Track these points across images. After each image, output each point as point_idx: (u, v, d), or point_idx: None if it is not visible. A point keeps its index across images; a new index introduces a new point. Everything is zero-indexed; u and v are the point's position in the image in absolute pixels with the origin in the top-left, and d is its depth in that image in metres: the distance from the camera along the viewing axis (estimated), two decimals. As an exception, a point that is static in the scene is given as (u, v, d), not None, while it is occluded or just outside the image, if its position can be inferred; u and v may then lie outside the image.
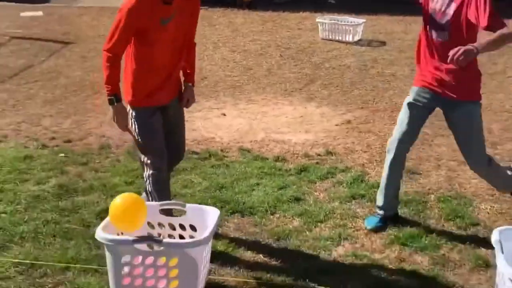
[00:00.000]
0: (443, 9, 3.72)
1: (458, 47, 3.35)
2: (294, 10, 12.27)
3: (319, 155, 5.52)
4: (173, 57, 3.67)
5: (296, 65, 8.77)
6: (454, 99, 3.81)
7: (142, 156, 3.70)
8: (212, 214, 3.32)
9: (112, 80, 3.55)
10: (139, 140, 3.68)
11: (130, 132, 3.72)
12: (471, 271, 3.62)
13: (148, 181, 3.70)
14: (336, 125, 6.36)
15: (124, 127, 3.68)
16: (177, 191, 4.61)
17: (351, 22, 10.21)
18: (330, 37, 10.14)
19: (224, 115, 6.66)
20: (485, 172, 4.08)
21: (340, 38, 10.04)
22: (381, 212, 4.17)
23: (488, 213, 4.34)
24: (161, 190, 3.70)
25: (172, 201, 3.60)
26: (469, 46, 3.35)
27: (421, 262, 3.73)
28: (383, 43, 10.03)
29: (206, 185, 4.76)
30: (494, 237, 3.05)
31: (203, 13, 12.13)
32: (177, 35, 3.62)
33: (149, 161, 3.66)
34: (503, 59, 8.76)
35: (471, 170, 4.15)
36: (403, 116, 3.99)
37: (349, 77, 8.14)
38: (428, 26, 3.79)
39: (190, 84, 3.99)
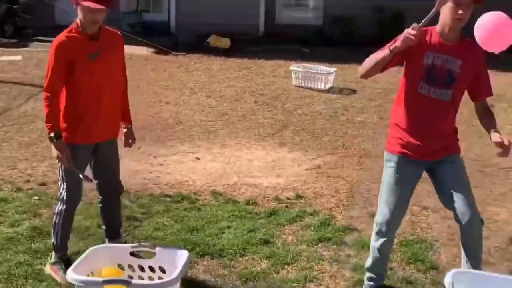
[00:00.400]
0: (446, 66, 3.51)
1: (506, 141, 3.33)
2: (269, 58, 12.61)
3: (288, 199, 5.69)
4: (104, 96, 3.92)
5: (269, 111, 9.01)
6: (442, 157, 3.66)
7: (60, 189, 4.00)
8: (181, 256, 3.45)
9: (51, 118, 3.82)
10: (61, 174, 3.97)
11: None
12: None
13: (58, 215, 4.06)
14: (306, 169, 6.56)
15: (66, 163, 3.86)
16: (148, 234, 4.74)
17: (323, 71, 10.55)
18: (303, 84, 10.44)
19: (198, 159, 6.83)
20: (480, 231, 3.67)
21: (312, 85, 10.35)
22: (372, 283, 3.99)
23: (447, 257, 4.52)
24: (64, 224, 4.08)
25: (143, 243, 3.72)
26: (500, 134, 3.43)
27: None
28: (354, 91, 10.35)
29: (177, 228, 4.89)
30: (447, 280, 3.23)
31: (181, 59, 12.47)
32: (106, 70, 3.89)
33: (64, 197, 4.00)
34: (468, 107, 9.09)
35: (465, 229, 3.64)
36: (391, 196, 3.70)
37: (320, 124, 8.39)
38: (422, 85, 3.53)
39: (129, 125, 4.30)
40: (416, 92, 3.54)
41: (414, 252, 4.56)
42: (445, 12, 3.48)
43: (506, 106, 9.38)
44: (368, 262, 3.96)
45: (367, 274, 3.99)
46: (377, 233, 3.81)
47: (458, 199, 3.59)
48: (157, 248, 3.59)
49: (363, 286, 4.01)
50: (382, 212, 3.75)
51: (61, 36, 3.83)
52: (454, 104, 3.61)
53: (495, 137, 3.45)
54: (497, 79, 10.92)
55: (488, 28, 3.34)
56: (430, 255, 4.53)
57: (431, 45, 3.54)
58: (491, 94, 3.65)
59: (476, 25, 3.37)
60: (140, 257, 3.70)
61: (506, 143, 3.37)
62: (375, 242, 3.84)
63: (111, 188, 4.27)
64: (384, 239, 3.79)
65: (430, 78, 3.52)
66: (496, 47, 3.37)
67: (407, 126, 3.61)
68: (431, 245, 4.74)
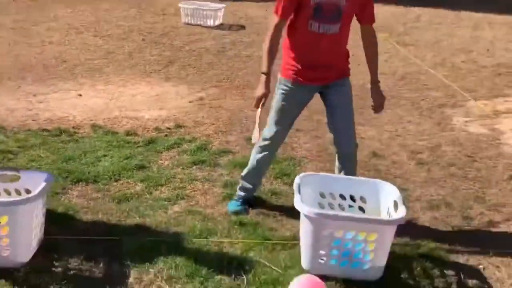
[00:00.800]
0: (333, 2, 3.56)
1: (381, 102, 3.86)
2: (160, -4, 12.47)
3: (169, 128, 5.81)
4: None
5: (157, 48, 9.01)
6: (333, 81, 3.82)
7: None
8: (44, 177, 3.52)
9: None
10: None
11: None
12: (289, 217, 4.06)
13: None
14: (190, 102, 6.68)
15: None
16: (23, 165, 4.74)
17: (212, 7, 10.58)
18: (192, 21, 10.46)
19: (80, 95, 6.79)
20: (355, 155, 3.98)
21: (202, 22, 10.39)
22: (243, 194, 4.18)
23: (313, 170, 4.82)
24: None
25: (6, 167, 3.75)
26: (379, 88, 3.89)
27: (248, 214, 4.12)
28: (243, 27, 10.48)
29: (53, 159, 4.92)
30: (295, 181, 3.49)
31: (68, 0, 12.12)
32: None
33: None
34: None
35: (343, 154, 3.93)
36: (281, 117, 3.87)
37: (207, 59, 8.49)
38: (311, 21, 3.59)
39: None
40: (306, 29, 3.62)
41: (282, 168, 4.83)
42: None
43: (388, 35, 9.80)
44: (244, 171, 4.17)
45: (241, 183, 4.19)
46: (261, 146, 4.00)
47: (341, 131, 3.89)
48: (21, 172, 3.64)
49: (234, 196, 4.22)
50: (270, 129, 3.92)
51: None
52: (343, 34, 3.70)
53: (373, 93, 3.92)
54: (380, 11, 11.39)
55: None
56: (297, 170, 4.81)
57: None
58: (374, 21, 3.80)
59: None
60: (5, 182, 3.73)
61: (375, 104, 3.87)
62: (257, 154, 4.04)
63: None
64: (266, 152, 4.01)
65: (318, 15, 3.57)
66: None
67: (299, 59, 3.72)
68: (300, 161, 5.03)
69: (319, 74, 3.75)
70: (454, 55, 8.67)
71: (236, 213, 4.06)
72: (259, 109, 3.61)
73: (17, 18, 10.45)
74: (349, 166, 3.95)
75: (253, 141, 3.74)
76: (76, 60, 8.21)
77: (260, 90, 3.59)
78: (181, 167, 4.87)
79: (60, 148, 5.18)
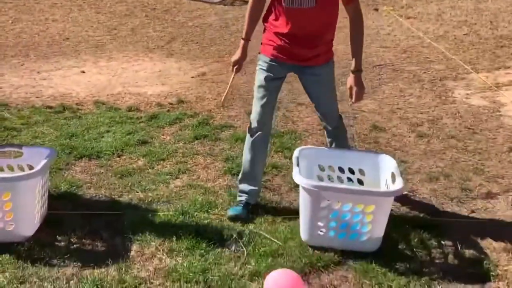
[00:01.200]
0: None
1: (358, 89, 3.51)
2: (163, -28, 12.42)
3: (171, 103, 5.85)
4: None
5: (160, 24, 9.01)
6: (308, 64, 3.64)
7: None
8: (47, 153, 3.58)
9: None
10: None
11: None
12: (289, 190, 4.12)
13: None
14: (192, 77, 6.71)
15: None
16: (26, 141, 4.80)
17: (215, -18, 10.54)
18: (195, -3, 10.43)
19: (84, 72, 6.83)
20: (342, 128, 3.88)
21: (205, -3, 10.37)
22: (243, 198, 3.87)
23: (313, 144, 4.86)
24: None
25: (10, 143, 3.81)
26: (360, 77, 3.54)
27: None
28: (246, 2, 10.40)
29: (56, 135, 4.97)
30: (294, 155, 3.54)
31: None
32: None
33: None
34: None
35: (330, 130, 3.86)
36: (262, 93, 3.72)
37: (210, 34, 8.50)
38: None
39: None
40: (281, 4, 3.46)
41: (283, 142, 4.87)
42: None
43: (391, 8, 9.75)
44: (240, 175, 3.90)
45: (239, 188, 3.91)
46: (250, 130, 3.81)
47: (324, 115, 3.80)
48: (24, 148, 3.69)
49: (235, 202, 3.89)
50: (255, 110, 3.77)
51: None
52: (321, 8, 3.44)
53: (349, 81, 3.59)
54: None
55: None
56: (298, 144, 4.84)
57: None
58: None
59: None
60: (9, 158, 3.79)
61: (353, 94, 3.56)
62: (248, 142, 3.82)
63: None
64: (257, 133, 3.79)
65: None
66: None
67: (276, 35, 3.58)
68: (300, 135, 5.06)
69: (295, 52, 3.56)
70: (456, 28, 8.63)
71: (236, 217, 3.71)
72: (233, 73, 3.84)
73: (19, -4, 10.46)
74: (338, 139, 3.87)
75: (221, 105, 3.88)
76: (79, 37, 8.23)
77: (236, 55, 3.76)
78: (182, 142, 4.92)
79: (63, 124, 5.23)
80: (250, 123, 3.83)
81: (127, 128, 5.14)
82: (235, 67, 3.82)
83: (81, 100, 5.90)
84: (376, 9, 9.63)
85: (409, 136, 5.06)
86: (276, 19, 3.56)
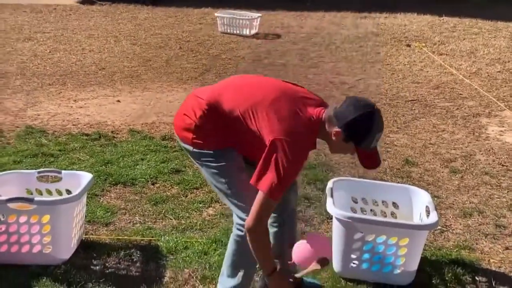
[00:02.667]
0: None
1: None
2: (196, 6, 12.68)
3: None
4: None
5: (194, 56, 9.16)
6: None
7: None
8: (85, 178, 3.66)
9: None
10: None
11: None
12: (321, 222, 4.13)
13: None
14: (225, 108, 6.79)
15: None
16: (63, 167, 4.89)
17: (248, 16, 10.72)
18: (229, 30, 10.61)
19: (119, 101, 6.96)
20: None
21: (238, 31, 10.54)
22: None
23: (346, 176, 4.87)
24: None
25: (49, 169, 3.90)
26: None
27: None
28: (278, 36, 10.59)
29: (92, 162, 5.07)
30: (328, 186, 3.56)
31: (108, 9, 12.43)
32: None
33: None
34: (385, 48, 9.50)
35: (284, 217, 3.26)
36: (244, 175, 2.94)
37: (243, 67, 8.61)
38: None
39: None
40: None
41: (315, 174, 4.89)
42: (342, 149, 2.84)
43: (423, 45, 9.78)
44: None
45: None
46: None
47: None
48: (63, 172, 3.77)
49: None
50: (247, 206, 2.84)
51: None
52: None
53: None
54: (415, 20, 11.38)
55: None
56: (330, 176, 4.86)
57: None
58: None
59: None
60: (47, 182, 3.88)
61: None
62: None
63: None
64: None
65: None
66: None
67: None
68: (332, 167, 5.08)
69: None
70: (490, 65, 8.62)
71: None
72: None
73: (58, 27, 10.74)
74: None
75: None
76: (115, 67, 8.40)
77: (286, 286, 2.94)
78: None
79: (99, 151, 5.33)
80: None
81: (161, 157, 5.21)
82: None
83: (117, 128, 6.01)
84: (409, 45, 9.68)
85: (442, 172, 5.04)
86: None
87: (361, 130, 2.70)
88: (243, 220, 2.84)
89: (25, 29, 10.44)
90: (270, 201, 2.69)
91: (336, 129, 2.71)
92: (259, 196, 2.69)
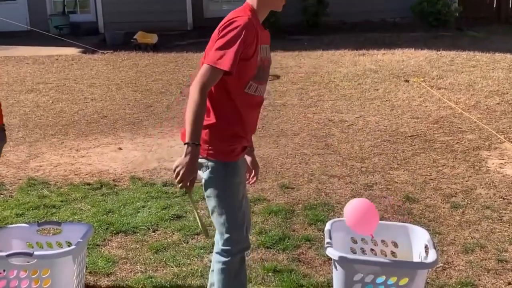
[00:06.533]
0: (267, 55, 3.08)
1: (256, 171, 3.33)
2: (196, 51, 12.84)
3: (205, 178, 5.95)
4: None
5: (194, 100, 9.25)
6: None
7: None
8: (85, 229, 3.68)
9: None
10: None
11: None
12: (323, 264, 4.12)
13: None
14: (226, 151, 6.83)
15: None
16: (65, 218, 4.93)
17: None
18: (228, 73, 10.74)
19: (120, 149, 7.02)
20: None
21: (237, 73, 10.66)
22: None
23: (346, 216, 4.87)
24: None
25: (49, 221, 3.93)
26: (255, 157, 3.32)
27: (281, 260, 4.19)
28: (278, 77, 10.69)
29: (94, 211, 5.09)
30: (326, 227, 3.56)
31: (109, 57, 12.60)
32: None
33: None
34: (384, 84, 9.57)
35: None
36: (239, 202, 3.07)
37: (243, 109, 8.69)
38: (251, 82, 2.97)
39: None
40: (242, 92, 2.98)
41: (316, 214, 4.89)
42: None
43: (421, 79, 9.85)
44: None
45: None
46: (238, 250, 3.11)
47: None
48: (63, 225, 3.80)
49: None
50: (238, 230, 3.07)
51: None
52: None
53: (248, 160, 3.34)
54: (413, 56, 11.50)
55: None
56: (331, 216, 4.87)
57: (259, 34, 2.97)
58: None
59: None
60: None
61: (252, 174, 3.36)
62: (234, 268, 3.10)
63: None
64: (244, 252, 3.18)
65: (260, 75, 3.01)
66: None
67: (233, 130, 3.02)
68: (333, 207, 5.08)
69: (249, 139, 3.21)
70: (488, 97, 8.66)
71: None
72: (191, 192, 2.91)
73: (60, 77, 10.90)
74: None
75: (206, 236, 3.14)
76: (117, 115, 8.50)
77: (187, 167, 2.75)
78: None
79: (101, 201, 5.36)
80: (233, 244, 3.07)
81: (162, 203, 5.23)
82: (190, 183, 2.81)
83: (118, 177, 6.05)
84: (407, 80, 9.75)
85: (443, 207, 5.04)
86: (230, 110, 2.98)
87: None
88: (226, 242, 3.00)
89: (28, 81, 10.59)
90: (211, 68, 2.82)
91: None
92: (203, 67, 2.85)
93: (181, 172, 2.76)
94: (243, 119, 3.02)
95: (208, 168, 2.99)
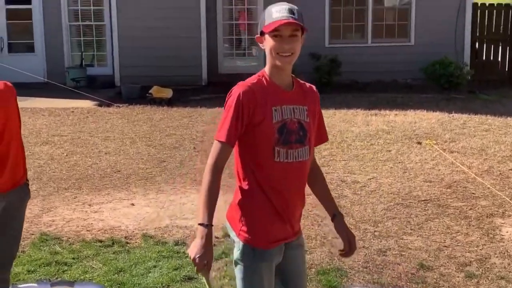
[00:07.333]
0: (295, 116, 2.90)
1: (350, 240, 3.02)
2: (210, 106, 12.97)
3: (217, 237, 5.93)
4: None
5: (207, 156, 9.29)
6: (296, 236, 3.04)
7: None
8: (97, 291, 3.67)
9: None
10: None
11: None
12: (336, 333, 4.07)
13: None
14: (238, 211, 6.83)
15: None
16: (76, 277, 4.91)
17: (260, 116, 10.94)
18: (241, 130, 10.82)
19: (133, 205, 7.04)
20: None
21: (251, 131, 10.74)
22: None
23: (360, 282, 4.83)
24: None
25: (62, 280, 3.92)
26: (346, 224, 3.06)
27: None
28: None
29: (105, 270, 5.08)
30: (341, 298, 3.52)
31: (124, 111, 12.74)
32: None
33: None
34: (396, 146, 9.60)
35: None
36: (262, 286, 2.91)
37: (256, 167, 8.72)
38: (278, 150, 2.86)
39: None
40: (272, 162, 2.86)
41: (329, 280, 4.85)
42: (268, 49, 2.87)
43: (433, 142, 9.87)
44: None
45: None
46: None
47: None
48: (76, 285, 3.79)
49: None
50: None
51: None
52: (309, 162, 3.00)
53: (339, 229, 3.11)
54: (425, 117, 11.55)
55: None
56: (344, 282, 4.83)
57: (273, 96, 2.89)
58: (327, 138, 3.23)
59: None
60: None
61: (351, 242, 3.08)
62: None
63: None
64: None
65: (285, 138, 2.87)
66: None
67: (263, 209, 2.91)
68: (346, 272, 5.04)
69: (287, 227, 2.94)
70: (501, 163, 8.66)
71: None
72: (206, 276, 2.85)
73: (75, 129, 11.02)
74: None
75: None
76: (130, 169, 8.54)
77: (201, 250, 2.73)
78: (228, 278, 4.95)
79: (112, 259, 5.34)
80: None
81: (174, 263, 5.21)
82: (205, 267, 2.78)
83: (130, 234, 6.05)
84: (419, 143, 9.78)
85: (458, 276, 4.99)
86: (259, 183, 2.90)
87: (260, 18, 2.91)
88: None
89: (43, 133, 10.71)
90: (215, 143, 2.88)
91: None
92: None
93: (192, 256, 2.74)
94: (277, 193, 2.88)
95: (238, 249, 2.92)
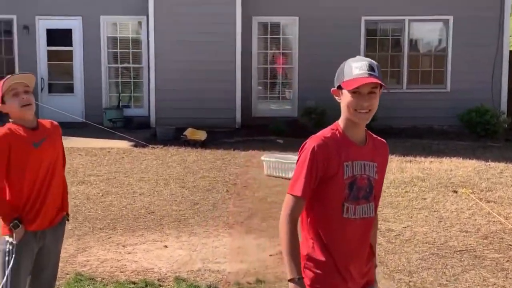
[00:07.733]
0: (365, 173, 2.90)
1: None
2: (244, 149, 13.07)
3: (249, 283, 5.91)
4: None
5: (240, 199, 9.33)
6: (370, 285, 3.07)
7: None
8: (131, 335, 3.67)
9: None
10: None
11: None
12: None
13: None
14: (270, 255, 6.81)
15: None
16: (109, 318, 4.93)
17: (293, 160, 10.95)
18: (275, 173, 10.84)
19: (166, 247, 7.07)
20: None
21: (284, 175, 10.74)
22: None
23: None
24: None
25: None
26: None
27: None
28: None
29: (138, 313, 5.09)
30: None
31: (159, 152, 12.90)
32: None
33: None
34: (432, 194, 9.49)
35: None
36: None
37: (289, 211, 8.69)
38: (346, 204, 2.87)
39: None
40: (341, 218, 2.87)
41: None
42: (345, 104, 2.88)
43: (470, 191, 9.74)
44: None
45: None
46: None
47: None
48: (109, 328, 3.80)
49: None
50: None
51: None
52: (374, 218, 3.03)
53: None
54: (461, 165, 11.42)
55: None
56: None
57: (346, 151, 2.90)
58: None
59: None
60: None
61: None
62: None
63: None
64: None
65: (355, 194, 2.88)
66: None
67: (330, 266, 2.90)
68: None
69: (350, 285, 2.93)
70: (540, 213, 8.49)
71: None
72: None
73: (111, 170, 11.18)
74: None
75: None
76: (164, 211, 8.60)
77: None
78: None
79: (145, 301, 5.36)
80: None
81: (206, 308, 5.20)
82: None
83: (163, 276, 6.06)
84: (455, 191, 9.65)
85: (495, 331, 4.86)
86: (326, 240, 2.89)
87: (338, 71, 2.93)
88: None
89: (80, 172, 10.89)
90: (288, 196, 2.89)
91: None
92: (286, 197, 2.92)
93: None
94: (340, 249, 2.88)
95: None
